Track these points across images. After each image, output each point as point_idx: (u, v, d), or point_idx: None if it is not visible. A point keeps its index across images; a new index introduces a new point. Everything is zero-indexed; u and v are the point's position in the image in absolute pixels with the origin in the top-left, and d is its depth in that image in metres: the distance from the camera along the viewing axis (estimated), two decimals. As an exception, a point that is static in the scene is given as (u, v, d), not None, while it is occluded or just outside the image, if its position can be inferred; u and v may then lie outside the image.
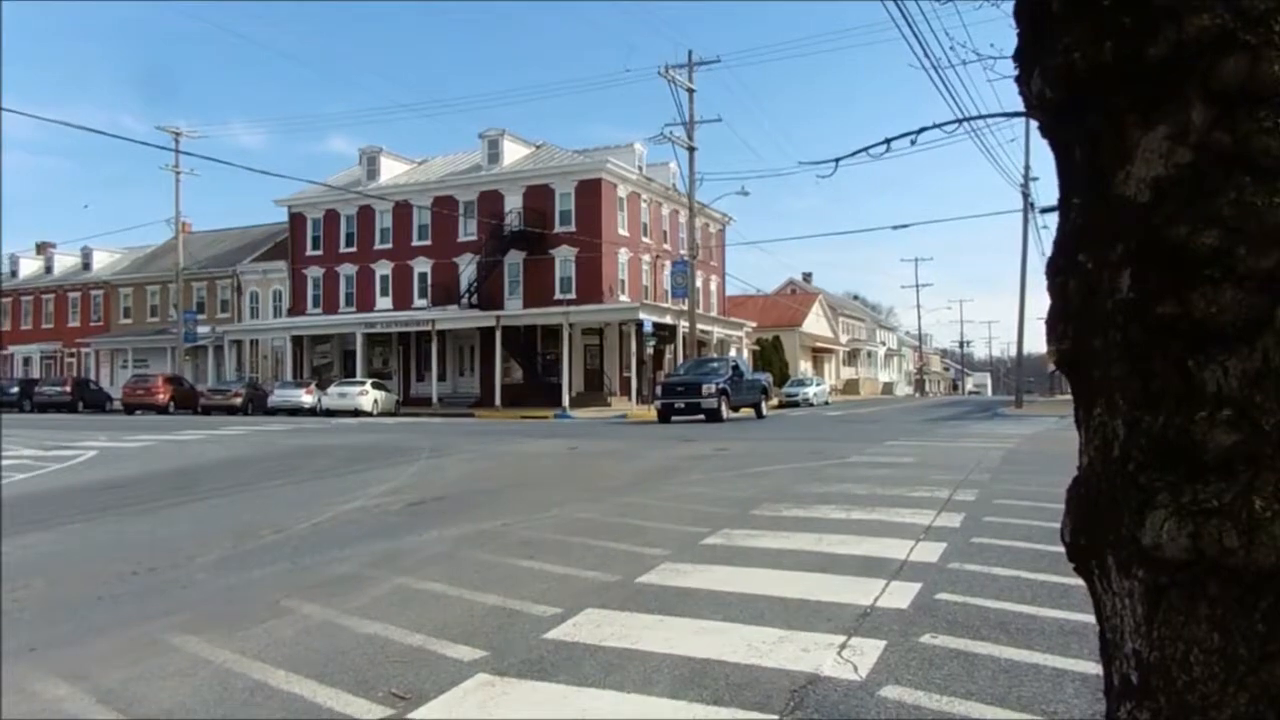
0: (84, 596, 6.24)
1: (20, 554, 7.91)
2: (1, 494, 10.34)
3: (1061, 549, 1.22)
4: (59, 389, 46.15)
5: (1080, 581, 1.18)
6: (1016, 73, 1.21)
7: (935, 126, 5.40)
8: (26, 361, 61.62)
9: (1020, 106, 1.25)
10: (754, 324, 56.65)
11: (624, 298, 44.56)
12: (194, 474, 14.50)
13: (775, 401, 42.12)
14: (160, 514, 10.36)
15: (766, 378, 36.66)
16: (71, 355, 59.81)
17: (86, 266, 63.28)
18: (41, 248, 67.50)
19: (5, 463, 16.21)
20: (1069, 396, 1.20)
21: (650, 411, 32.33)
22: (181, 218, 49.03)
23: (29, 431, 25.50)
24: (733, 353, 46.76)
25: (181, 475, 14.35)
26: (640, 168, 47.96)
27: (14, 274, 66.51)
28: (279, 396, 40.39)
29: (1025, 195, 41.18)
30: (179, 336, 48.65)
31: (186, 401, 42.56)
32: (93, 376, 54.12)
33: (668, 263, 47.02)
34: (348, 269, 50.56)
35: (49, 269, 64.88)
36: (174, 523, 9.69)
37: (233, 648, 4.87)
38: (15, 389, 46.66)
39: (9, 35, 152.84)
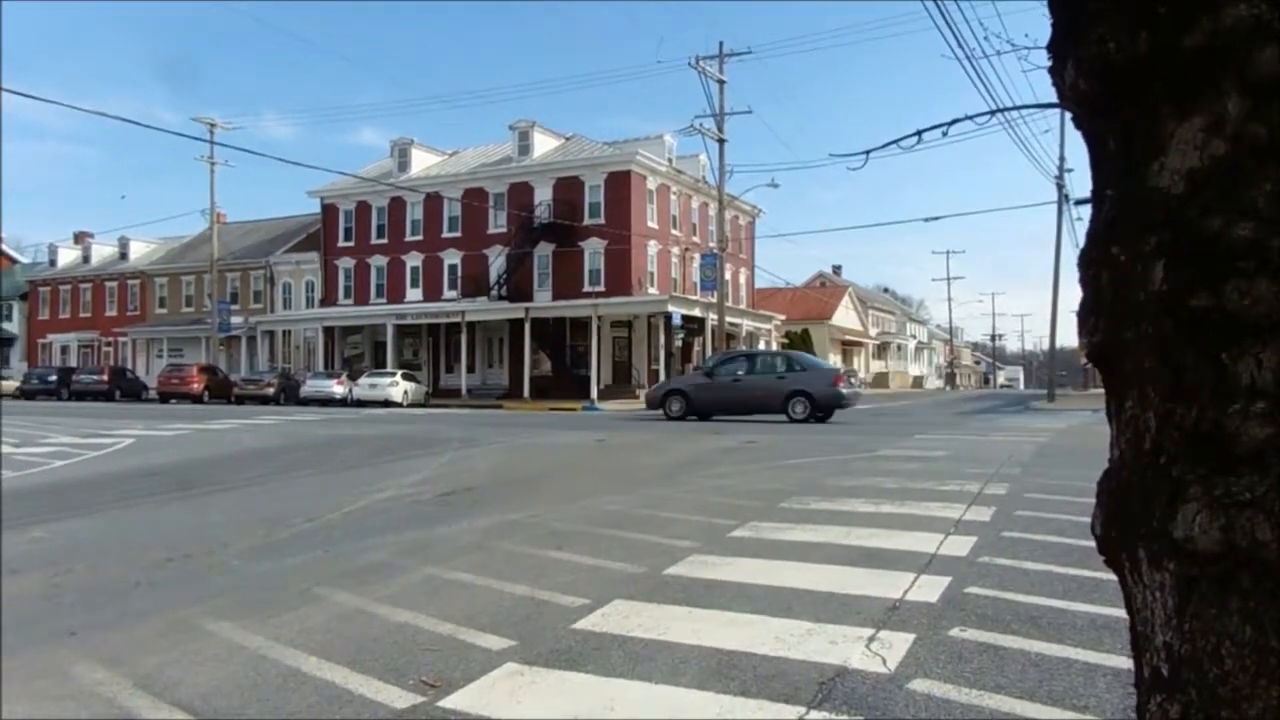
0: (122, 582, 6.34)
1: (60, 539, 8.06)
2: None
3: (1094, 543, 1.22)
4: (96, 377, 46.94)
5: (1113, 576, 1.18)
6: (1050, 64, 1.21)
7: (968, 118, 5.35)
8: (64, 350, 62.56)
9: (1054, 98, 1.25)
10: (783, 317, 56.47)
11: (653, 290, 44.55)
12: (227, 462, 14.68)
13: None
14: (195, 501, 10.51)
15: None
16: (108, 344, 60.63)
17: (123, 256, 64.08)
18: (79, 237, 68.39)
19: (44, 450, 16.50)
20: (1102, 390, 1.20)
21: (679, 404, 32.25)
22: (216, 208, 49.53)
23: (67, 419, 25.92)
24: (761, 346, 46.64)
25: (215, 464, 14.53)
26: (670, 160, 47.87)
27: (52, 263, 67.50)
28: (311, 387, 40.76)
29: (1060, 187, 40.76)
30: (213, 326, 49.16)
31: (220, 391, 43.07)
32: (129, 365, 54.87)
33: (697, 255, 46.97)
34: (379, 260, 50.89)
35: (86, 258, 65.78)
36: (208, 510, 9.82)
37: (266, 634, 4.94)
38: (53, 377, 47.50)
39: (47, 29, 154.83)
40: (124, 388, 46.77)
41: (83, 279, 64.41)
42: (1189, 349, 1.02)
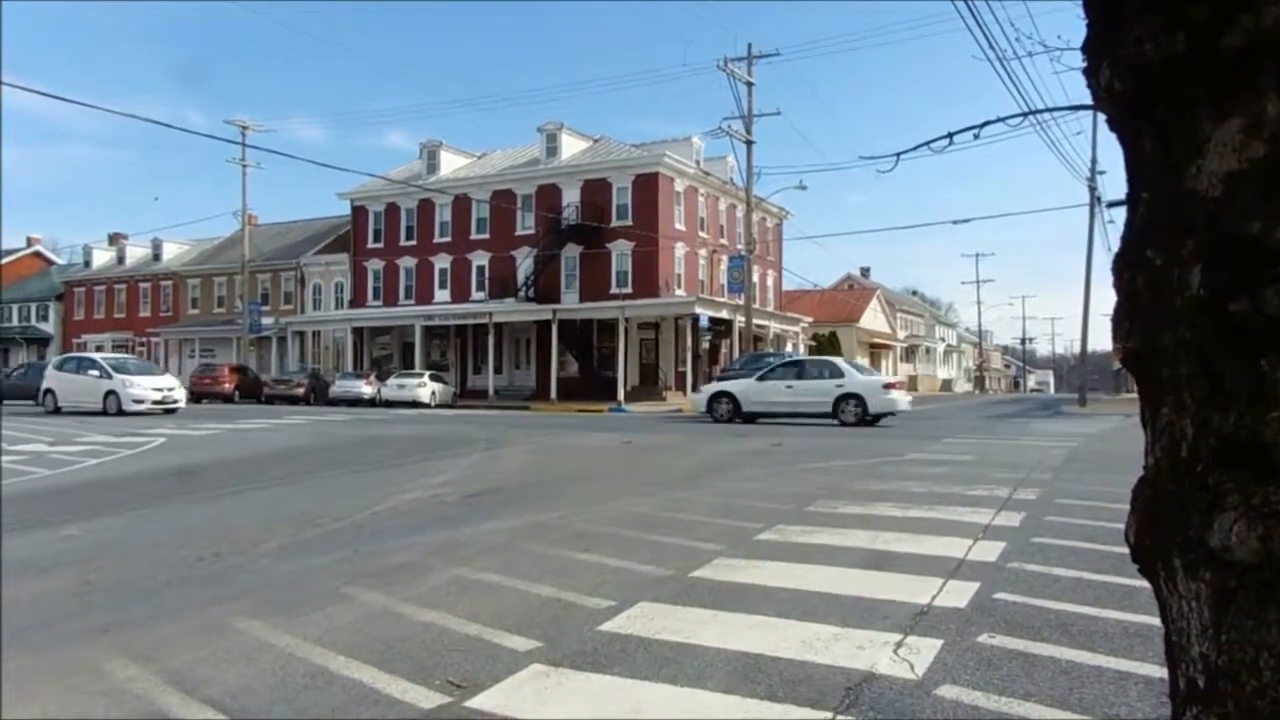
0: (153, 580, 6.42)
1: (93, 537, 8.17)
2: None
3: (1126, 550, 1.20)
4: (129, 377, 47.47)
5: (1146, 583, 1.16)
6: (1085, 65, 1.19)
7: (999, 120, 5.31)
8: (99, 350, 63.44)
9: (1087, 99, 1.23)
10: (811, 319, 56.24)
11: (680, 292, 44.53)
12: (257, 462, 14.81)
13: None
14: (224, 500, 10.61)
15: (823, 373, 36.31)
16: (142, 344, 61.41)
17: (157, 257, 64.93)
18: (114, 239, 69.43)
19: (78, 448, 16.72)
20: (1135, 395, 1.18)
21: (705, 406, 32.21)
22: (247, 210, 50.02)
23: (102, 419, 26.24)
24: (789, 348, 46.50)
25: (245, 463, 14.67)
26: (698, 161, 47.85)
27: (87, 264, 68.52)
28: (340, 387, 41.11)
29: (1092, 189, 40.32)
30: (244, 327, 49.68)
31: (251, 391, 43.48)
32: (162, 365, 55.54)
33: (724, 257, 46.87)
34: (407, 261, 51.21)
35: (121, 260, 66.70)
36: (238, 510, 9.92)
37: (294, 633, 4.97)
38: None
39: (77, 34, 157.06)
40: (156, 387, 47.29)
41: (117, 280, 65.32)
42: (1227, 354, 1.00)
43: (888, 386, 24.85)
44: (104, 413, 27.75)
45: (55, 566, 6.87)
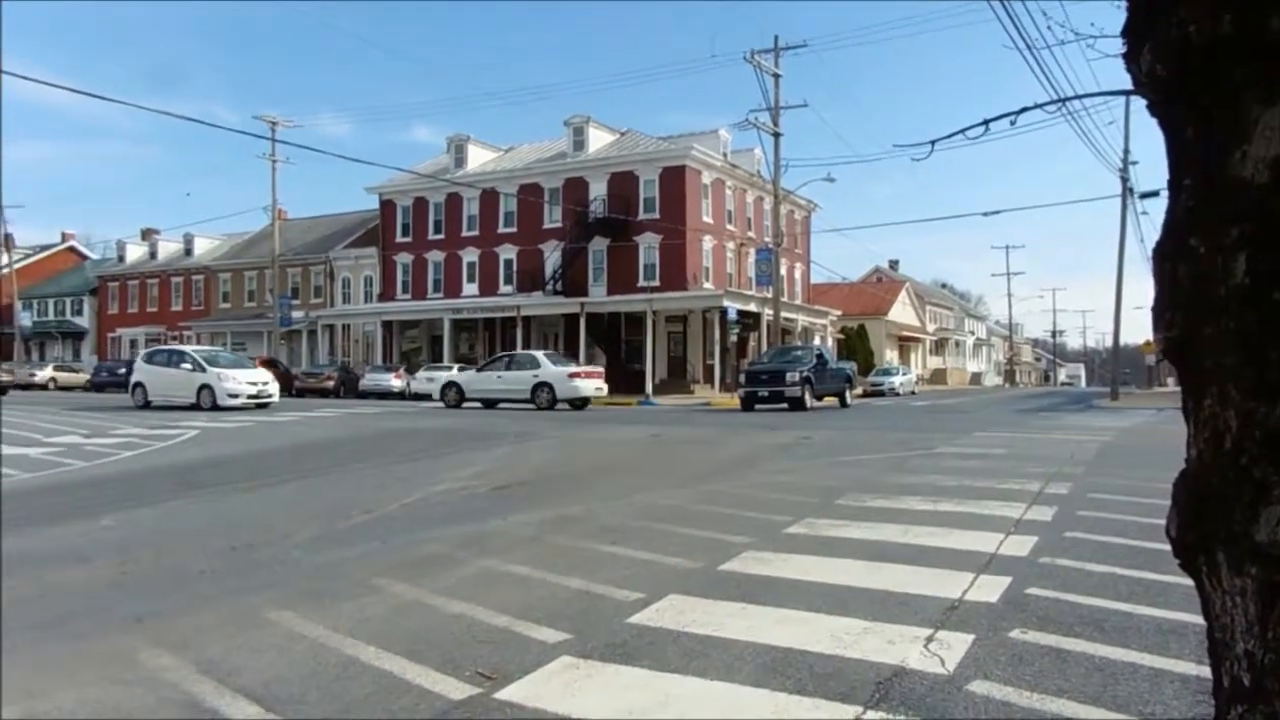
0: (187, 570, 6.49)
1: (128, 529, 8.28)
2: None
3: (1161, 545, 1.18)
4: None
5: (1181, 579, 1.14)
6: (1124, 50, 1.17)
7: (1036, 106, 5.24)
8: (133, 344, 64.23)
9: (1122, 85, 1.21)
10: (839, 312, 55.98)
11: (708, 285, 44.46)
12: (288, 454, 14.95)
13: (860, 391, 41.59)
14: (257, 492, 10.72)
15: (851, 366, 36.19)
16: (174, 338, 62.10)
17: (188, 252, 65.74)
18: (146, 234, 70.40)
19: (113, 440, 16.96)
20: (1168, 389, 1.17)
21: (733, 399, 32.21)
22: (277, 205, 50.46)
23: (135, 411, 26.58)
24: (817, 341, 46.29)
25: (276, 455, 14.81)
26: (725, 154, 47.74)
27: (121, 259, 69.45)
28: (369, 380, 41.42)
29: (1124, 180, 39.76)
30: (275, 321, 50.17)
31: (281, 384, 43.70)
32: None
33: (752, 250, 46.73)
34: (436, 255, 51.47)
35: (153, 254, 67.57)
36: (271, 502, 10.02)
37: (326, 623, 5.02)
38: (122, 370, 48.75)
39: (110, 32, 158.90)
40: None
41: (150, 274, 66.17)
42: (1273, 344, 0.98)
43: (572, 376, 29.38)
44: (197, 407, 26.69)
45: (94, 556, 6.97)
